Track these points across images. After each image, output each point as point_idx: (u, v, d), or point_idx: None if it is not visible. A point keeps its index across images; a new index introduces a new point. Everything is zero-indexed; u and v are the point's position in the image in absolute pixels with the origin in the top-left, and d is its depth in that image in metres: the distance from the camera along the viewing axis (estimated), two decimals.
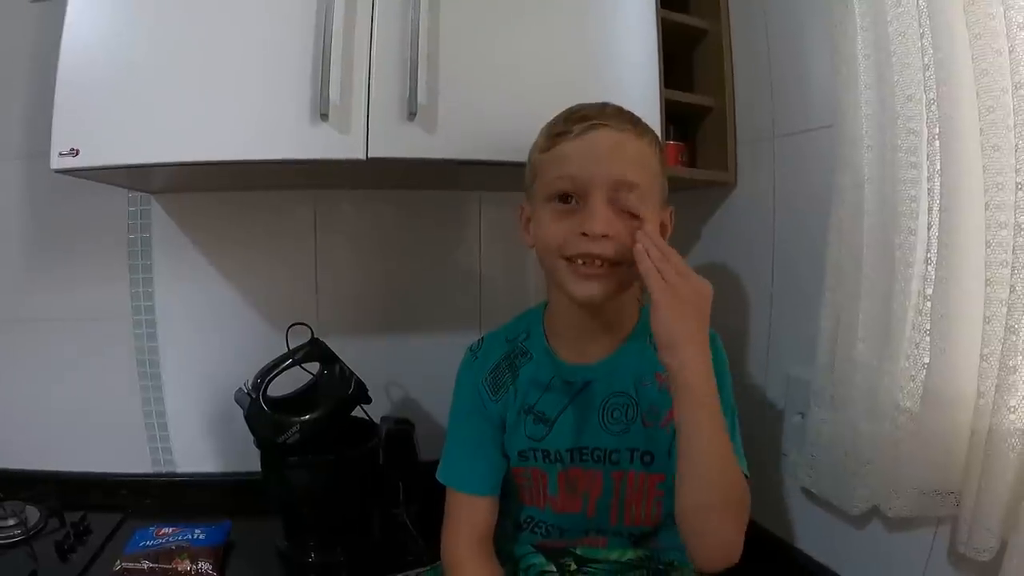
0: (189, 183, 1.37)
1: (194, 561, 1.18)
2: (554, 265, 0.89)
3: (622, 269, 0.86)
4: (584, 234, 0.85)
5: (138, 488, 1.47)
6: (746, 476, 0.88)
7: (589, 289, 0.87)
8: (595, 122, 0.87)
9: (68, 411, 1.45)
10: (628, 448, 0.94)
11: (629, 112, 0.91)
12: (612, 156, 0.86)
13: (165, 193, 1.44)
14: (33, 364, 1.45)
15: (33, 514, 1.32)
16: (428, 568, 1.02)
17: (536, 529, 1.02)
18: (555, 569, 0.98)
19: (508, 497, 1.02)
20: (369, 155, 1.06)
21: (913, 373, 0.90)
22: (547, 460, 0.97)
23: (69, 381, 1.45)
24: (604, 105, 0.90)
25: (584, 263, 0.86)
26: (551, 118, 0.93)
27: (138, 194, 1.43)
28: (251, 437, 1.25)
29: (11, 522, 1.27)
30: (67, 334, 1.44)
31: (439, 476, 1.01)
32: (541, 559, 1.00)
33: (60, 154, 1.03)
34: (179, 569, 1.17)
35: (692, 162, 1.41)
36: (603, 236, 0.84)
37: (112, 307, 1.45)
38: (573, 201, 0.87)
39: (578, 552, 0.99)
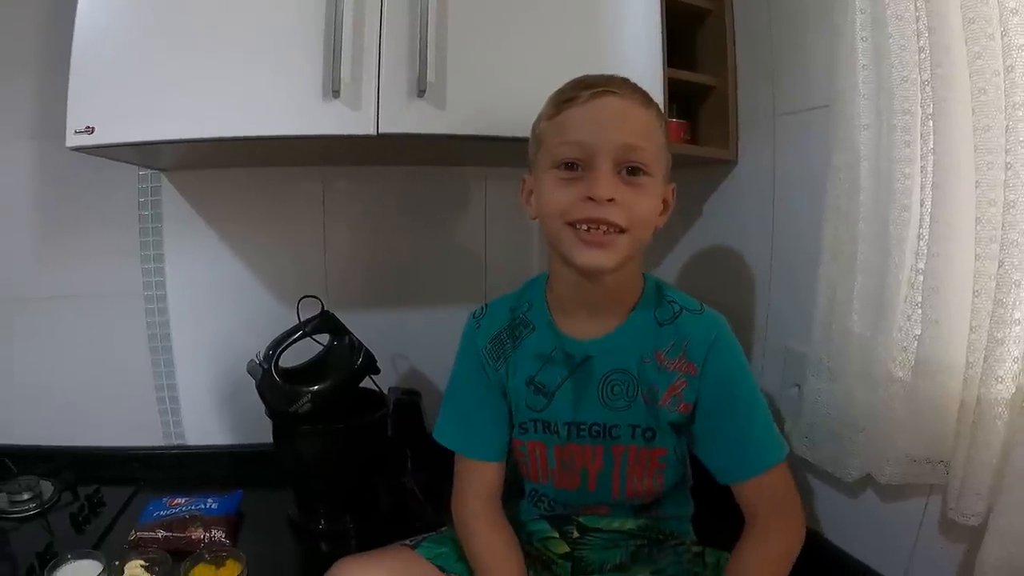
0: (199, 160, 1.41)
1: (207, 529, 1.24)
2: (558, 232, 0.89)
3: (627, 237, 0.87)
4: (590, 199, 0.85)
5: (150, 461, 1.53)
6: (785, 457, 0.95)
7: (595, 257, 0.86)
8: (603, 89, 0.87)
9: (80, 387, 1.51)
10: (629, 424, 0.97)
11: (635, 83, 0.91)
12: (619, 123, 0.86)
13: (175, 170, 1.48)
14: (45, 341, 1.50)
15: (47, 488, 1.37)
16: (436, 533, 1.06)
17: (539, 503, 1.07)
18: (558, 536, 1.05)
19: (513, 469, 1.06)
20: (380, 131, 1.11)
21: (905, 344, 0.95)
22: (546, 431, 1.00)
23: (81, 357, 1.51)
24: (610, 76, 0.91)
25: (589, 229, 0.85)
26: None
27: (148, 171, 1.47)
28: (260, 409, 1.30)
29: (26, 496, 1.33)
30: (79, 311, 1.49)
31: (436, 436, 1.05)
32: (545, 526, 1.06)
33: (75, 132, 1.07)
34: (193, 537, 1.22)
35: (694, 140, 1.45)
36: (609, 200, 0.84)
37: (123, 283, 1.49)
38: (578, 168, 0.87)
39: (581, 520, 1.05)
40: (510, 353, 1.01)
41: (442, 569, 0.97)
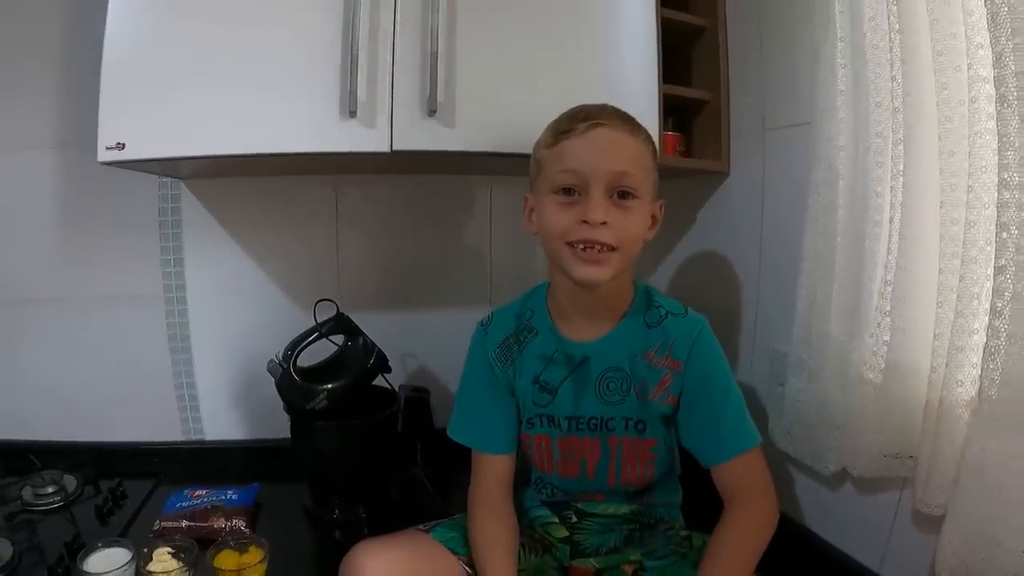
0: (217, 170, 1.50)
1: (228, 519, 1.34)
2: (557, 251, 1.02)
3: (618, 254, 1.00)
4: (585, 222, 0.98)
5: (169, 456, 1.63)
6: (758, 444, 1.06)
7: (590, 273, 1.00)
8: (596, 121, 0.99)
9: (102, 385, 1.61)
10: (623, 417, 1.10)
11: (625, 113, 1.04)
12: (610, 152, 0.99)
13: (194, 179, 1.58)
14: (69, 342, 1.60)
15: (71, 482, 1.47)
16: (448, 519, 1.17)
17: (543, 489, 1.20)
18: (558, 520, 1.17)
19: (520, 459, 1.19)
20: (393, 148, 1.21)
21: (876, 349, 1.04)
22: (551, 425, 1.13)
23: (103, 357, 1.61)
24: (603, 106, 1.03)
25: (585, 248, 0.99)
26: (557, 115, 1.06)
27: (168, 180, 1.57)
28: (275, 406, 1.41)
29: (51, 489, 1.42)
30: (102, 313, 1.59)
31: (451, 434, 1.17)
32: (546, 511, 1.19)
33: (107, 148, 1.16)
34: (215, 526, 1.32)
35: (689, 152, 1.55)
36: (602, 224, 0.97)
37: (144, 286, 1.60)
38: (575, 193, 1.00)
39: (579, 506, 1.17)
40: (516, 356, 1.14)
41: (453, 551, 1.08)
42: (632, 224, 1.01)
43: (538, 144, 1.07)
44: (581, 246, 0.99)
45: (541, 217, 1.04)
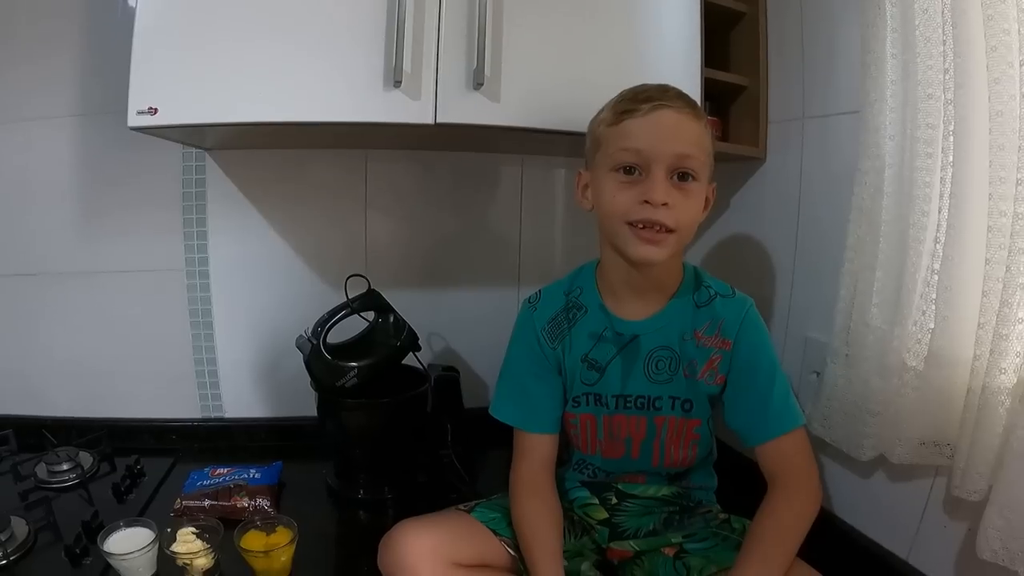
0: (243, 140, 1.52)
1: (252, 498, 1.37)
2: (616, 229, 1.07)
3: (676, 236, 1.05)
4: (646, 202, 1.02)
5: (187, 433, 1.67)
6: (802, 425, 1.11)
7: (648, 252, 1.04)
8: (660, 103, 1.04)
9: (120, 360, 1.64)
10: (670, 396, 1.16)
11: (687, 95, 1.08)
12: (674, 134, 1.03)
13: (220, 150, 1.59)
14: (88, 315, 1.62)
15: (86, 459, 1.49)
16: (487, 500, 1.22)
17: (585, 470, 1.25)
18: (598, 502, 1.22)
19: (563, 439, 1.23)
20: (438, 120, 1.24)
21: (919, 337, 1.10)
22: (597, 403, 1.18)
23: (122, 331, 1.63)
24: (666, 87, 1.07)
25: (645, 228, 1.04)
26: (612, 94, 1.10)
27: (193, 150, 1.58)
28: (296, 383, 1.45)
29: (66, 467, 1.44)
30: (122, 286, 1.62)
31: (494, 413, 1.22)
32: (586, 492, 1.24)
33: (138, 112, 1.17)
34: (238, 506, 1.35)
35: (725, 137, 1.60)
36: (663, 204, 1.02)
37: (167, 259, 1.62)
38: (636, 172, 1.04)
39: (619, 487, 1.22)
40: (567, 333, 1.18)
41: (495, 532, 1.13)
42: (691, 206, 1.06)
43: (597, 121, 1.11)
44: (640, 225, 1.04)
45: (599, 194, 1.09)
